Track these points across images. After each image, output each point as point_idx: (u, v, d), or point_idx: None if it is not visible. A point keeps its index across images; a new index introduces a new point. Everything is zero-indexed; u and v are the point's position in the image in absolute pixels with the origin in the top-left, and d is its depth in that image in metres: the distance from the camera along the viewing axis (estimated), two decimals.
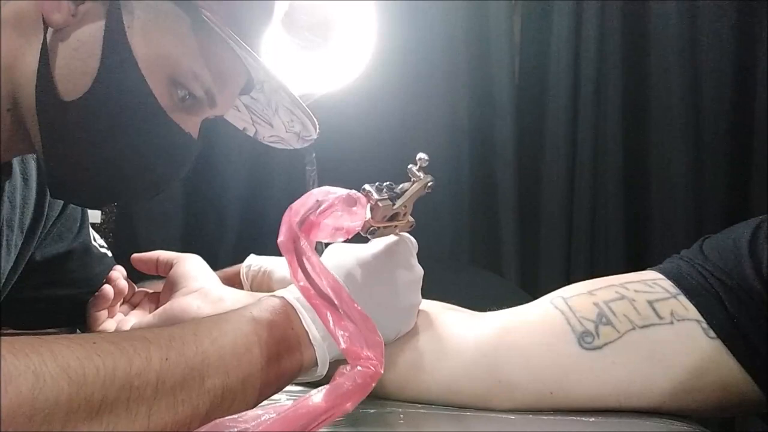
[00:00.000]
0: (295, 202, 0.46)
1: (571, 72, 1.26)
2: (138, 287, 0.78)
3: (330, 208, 0.45)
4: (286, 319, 0.46)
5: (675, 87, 1.23)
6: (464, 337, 0.55)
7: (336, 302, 0.41)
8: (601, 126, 1.25)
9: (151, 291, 0.75)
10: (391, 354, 0.53)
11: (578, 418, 0.49)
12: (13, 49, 0.53)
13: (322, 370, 0.47)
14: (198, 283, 0.68)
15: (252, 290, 0.73)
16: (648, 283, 0.55)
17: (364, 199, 0.49)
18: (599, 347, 0.52)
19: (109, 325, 0.68)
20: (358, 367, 0.36)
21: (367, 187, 0.50)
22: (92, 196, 0.61)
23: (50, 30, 0.53)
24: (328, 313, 0.39)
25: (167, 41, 0.54)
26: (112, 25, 0.52)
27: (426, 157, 0.52)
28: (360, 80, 0.88)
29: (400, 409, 0.50)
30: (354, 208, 0.48)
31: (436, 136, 1.28)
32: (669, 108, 1.23)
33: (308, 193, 0.47)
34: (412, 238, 0.56)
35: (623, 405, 0.51)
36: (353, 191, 0.49)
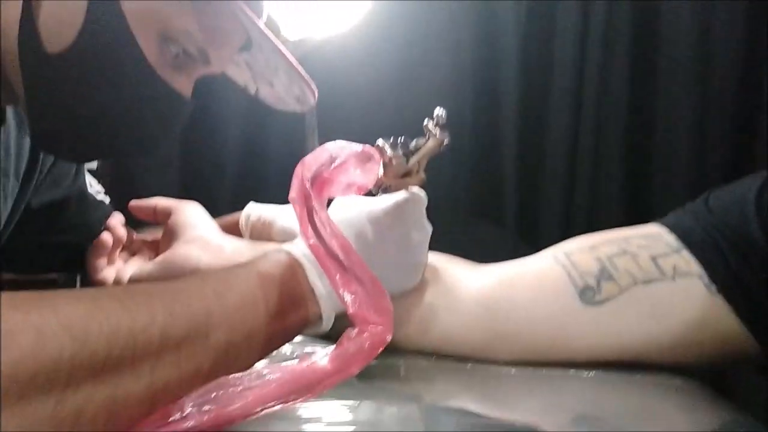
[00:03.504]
0: (308, 156, 0.45)
1: (579, 17, 1.22)
2: (137, 234, 0.78)
3: (343, 164, 0.44)
4: (292, 275, 0.46)
5: (684, 36, 1.20)
6: (467, 291, 0.55)
7: (345, 263, 0.40)
8: (606, 77, 1.22)
9: (150, 239, 0.75)
10: (398, 308, 0.53)
11: (576, 372, 0.49)
12: None
13: (327, 324, 0.47)
14: (197, 231, 0.68)
15: (252, 239, 0.73)
16: (651, 238, 0.55)
17: (377, 155, 0.48)
18: (601, 302, 0.52)
19: (109, 272, 0.68)
20: (366, 334, 0.35)
21: (380, 142, 0.49)
22: (75, 150, 0.60)
23: None
24: (337, 276, 0.39)
25: None
26: None
27: (443, 114, 0.50)
28: (361, 24, 0.85)
29: (401, 361, 0.50)
30: (367, 164, 0.47)
31: (438, 83, 1.25)
32: (677, 59, 1.21)
33: (321, 146, 0.46)
34: (423, 194, 0.55)
35: (623, 358, 0.52)
36: (367, 146, 0.48)
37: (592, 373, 0.49)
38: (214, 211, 1.28)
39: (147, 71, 0.53)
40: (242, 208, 1.31)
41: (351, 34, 0.85)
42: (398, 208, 0.53)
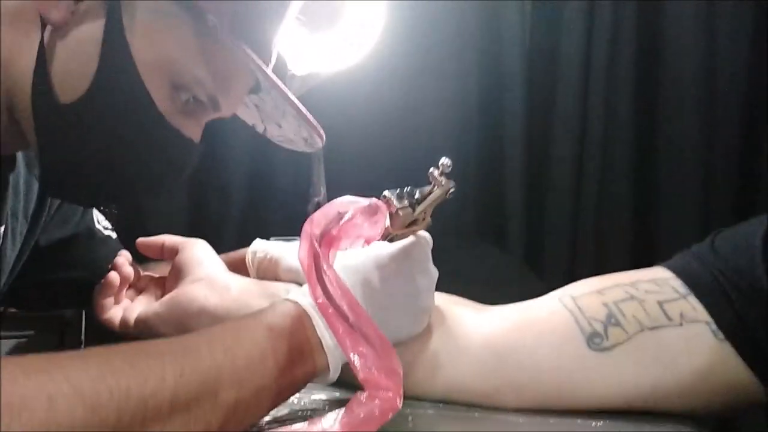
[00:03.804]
0: (316, 213, 0.46)
1: (583, 45, 1.23)
2: (143, 270, 0.78)
3: (351, 220, 0.45)
4: (300, 326, 0.46)
5: (688, 60, 1.21)
6: (474, 337, 0.55)
7: (354, 323, 0.40)
8: (611, 101, 1.23)
9: (157, 276, 0.75)
10: (405, 355, 0.54)
11: (585, 421, 0.49)
12: (10, 46, 0.51)
13: (334, 375, 0.48)
14: (204, 270, 0.68)
15: (258, 276, 0.73)
16: (658, 283, 0.55)
17: (384, 208, 0.48)
18: (608, 349, 0.52)
19: (116, 312, 0.68)
20: (377, 400, 0.36)
21: (387, 194, 0.50)
22: (87, 197, 0.61)
23: (48, 28, 0.51)
24: (346, 338, 0.39)
25: (169, 45, 0.52)
26: (111, 25, 0.51)
27: (449, 163, 0.50)
28: (369, 58, 0.86)
29: (408, 410, 0.50)
30: (374, 217, 0.47)
31: (444, 111, 1.25)
32: (681, 81, 1.21)
33: (330, 203, 0.46)
34: (429, 237, 0.55)
35: (630, 406, 0.52)
36: (374, 200, 0.49)
37: (600, 423, 0.49)
38: (221, 239, 1.29)
39: (157, 119, 0.53)
40: (249, 233, 1.32)
41: (361, 66, 0.86)
42: (404, 253, 0.53)
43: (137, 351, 0.38)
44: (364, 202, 0.48)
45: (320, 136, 0.61)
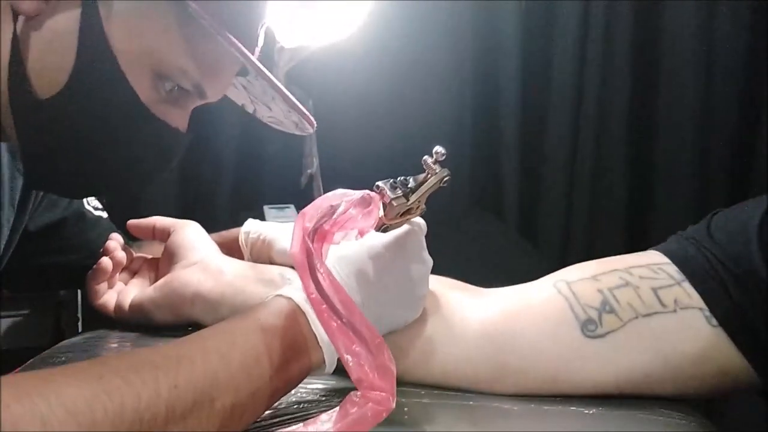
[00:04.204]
0: (308, 207, 0.45)
1: (580, 12, 1.20)
2: (136, 250, 0.77)
3: (344, 213, 0.44)
4: (294, 323, 0.46)
5: (686, 33, 1.18)
6: (469, 323, 0.55)
7: (347, 320, 0.40)
8: (608, 70, 1.21)
9: (149, 257, 0.75)
10: (400, 341, 0.54)
11: (578, 409, 0.50)
12: None
13: (330, 369, 0.48)
14: (197, 254, 0.67)
15: (252, 257, 0.73)
16: (653, 269, 0.55)
17: (378, 198, 0.47)
18: (602, 336, 0.53)
19: (110, 296, 0.68)
20: (370, 403, 0.36)
21: (380, 184, 0.49)
22: (73, 190, 0.60)
23: (21, 19, 0.49)
24: (339, 335, 0.39)
25: (150, 34, 0.50)
26: (88, 15, 0.48)
27: (443, 151, 0.49)
28: (365, 31, 0.83)
29: (404, 399, 0.50)
30: (367, 209, 0.46)
31: (439, 81, 1.23)
32: (680, 53, 1.19)
33: (322, 196, 0.45)
34: (423, 224, 0.54)
35: (623, 391, 0.53)
36: (367, 192, 0.48)
37: (593, 411, 0.49)
38: (213, 208, 1.27)
39: (141, 110, 0.52)
40: (241, 201, 1.31)
41: (349, 41, 0.83)
42: (398, 242, 0.52)
43: (131, 364, 0.38)
44: (356, 194, 0.47)
45: (311, 123, 0.60)
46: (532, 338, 0.54)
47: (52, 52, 0.49)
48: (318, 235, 0.43)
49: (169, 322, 0.65)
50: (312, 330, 0.46)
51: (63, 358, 0.57)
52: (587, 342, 0.53)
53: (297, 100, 0.73)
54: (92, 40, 0.49)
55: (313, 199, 0.95)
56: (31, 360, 0.58)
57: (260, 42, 0.57)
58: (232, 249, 0.74)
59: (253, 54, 0.57)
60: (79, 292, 0.84)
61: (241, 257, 0.74)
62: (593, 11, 1.19)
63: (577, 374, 0.53)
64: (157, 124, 0.53)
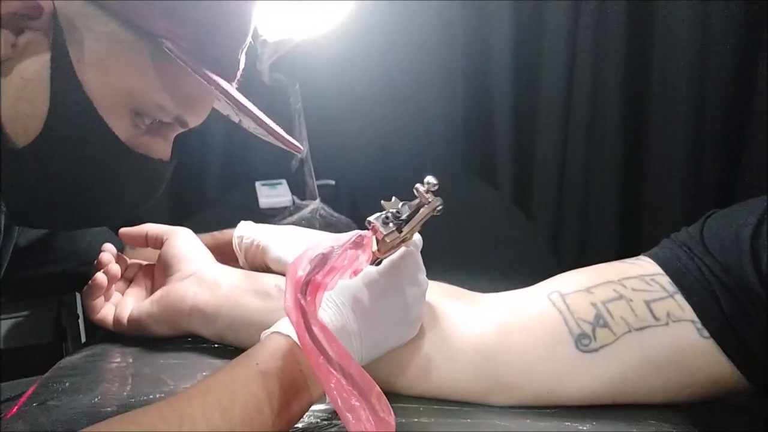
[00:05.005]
0: (299, 257, 0.44)
1: None
2: (129, 250, 0.77)
3: (336, 264, 0.44)
4: (293, 361, 0.46)
5: (679, 34, 1.14)
6: (466, 339, 0.56)
7: (345, 372, 0.40)
8: (601, 40, 1.17)
9: (144, 263, 0.74)
10: (399, 358, 0.55)
11: (572, 424, 0.51)
12: None
13: None
14: (192, 265, 0.67)
15: (246, 261, 0.73)
16: (646, 280, 0.55)
17: (370, 236, 0.47)
18: (595, 350, 0.53)
19: (108, 310, 0.68)
20: None
21: (372, 220, 0.48)
22: (56, 225, 0.59)
23: None
24: (339, 395, 0.39)
25: (125, 74, 0.48)
26: (58, 61, 0.46)
27: (435, 181, 0.49)
28: (344, 23, 0.80)
29: (403, 419, 0.52)
30: (360, 249, 0.46)
31: (430, 55, 1.19)
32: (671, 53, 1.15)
33: (314, 245, 0.45)
34: (418, 241, 0.54)
35: (616, 401, 0.54)
36: (359, 234, 0.47)
37: (587, 427, 0.51)
38: (203, 184, 1.25)
39: (121, 149, 0.51)
40: (232, 183, 1.29)
41: (333, 34, 0.80)
42: (393, 266, 0.52)
43: (130, 422, 0.38)
44: (348, 237, 0.46)
45: (297, 150, 0.59)
46: (527, 354, 0.55)
47: (25, 100, 0.47)
48: (311, 287, 0.43)
49: (168, 335, 0.66)
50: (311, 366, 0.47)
51: (66, 384, 0.58)
52: (581, 356, 0.54)
53: (282, 84, 0.70)
54: (65, 85, 0.47)
55: (304, 182, 0.95)
56: (36, 385, 0.59)
57: (241, 65, 0.55)
58: (225, 252, 0.74)
59: (235, 77, 0.55)
60: (77, 296, 0.84)
61: (234, 260, 0.74)
62: None
63: (571, 387, 0.54)
64: (139, 160, 0.52)
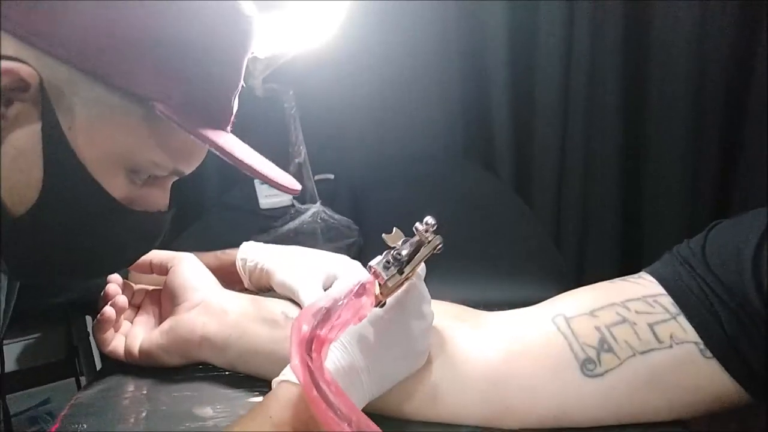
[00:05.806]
0: (301, 313, 0.45)
1: None
2: (136, 286, 0.78)
3: (342, 315, 0.44)
4: (304, 407, 0.47)
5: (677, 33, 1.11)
6: (472, 365, 0.57)
7: (354, 426, 0.41)
8: (598, 27, 1.14)
9: (150, 288, 0.75)
10: (407, 386, 0.56)
11: None
12: None
13: None
14: (198, 294, 0.68)
15: (252, 283, 0.73)
16: (649, 302, 0.56)
17: (372, 281, 0.47)
18: (600, 374, 0.54)
19: (119, 342, 0.69)
20: None
21: (373, 265, 0.48)
22: (59, 281, 0.59)
23: None
24: None
25: (117, 137, 0.48)
26: (49, 128, 0.46)
27: (433, 222, 0.49)
28: (338, 35, 0.78)
29: None
30: (362, 297, 0.47)
31: (425, 36, 1.16)
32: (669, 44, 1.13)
33: (315, 301, 0.45)
34: (422, 270, 0.54)
35: (622, 422, 0.55)
36: (361, 283, 0.48)
37: None
38: (203, 190, 1.24)
39: (118, 209, 0.51)
40: (230, 182, 1.27)
41: (326, 47, 0.78)
42: (398, 302, 0.53)
43: None
44: (350, 287, 0.47)
45: (293, 192, 0.58)
46: (534, 380, 0.55)
47: (18, 170, 0.47)
48: (316, 343, 0.44)
49: (180, 365, 0.67)
50: None
51: (85, 426, 0.59)
52: (587, 381, 0.54)
53: (276, 93, 0.69)
54: (58, 153, 0.47)
55: (303, 185, 0.94)
56: (56, 425, 0.60)
57: (234, 109, 0.54)
58: (230, 273, 0.74)
59: (228, 123, 0.55)
60: (86, 318, 0.86)
61: (239, 280, 0.74)
62: None
63: (577, 412, 0.55)
64: (137, 216, 0.53)
